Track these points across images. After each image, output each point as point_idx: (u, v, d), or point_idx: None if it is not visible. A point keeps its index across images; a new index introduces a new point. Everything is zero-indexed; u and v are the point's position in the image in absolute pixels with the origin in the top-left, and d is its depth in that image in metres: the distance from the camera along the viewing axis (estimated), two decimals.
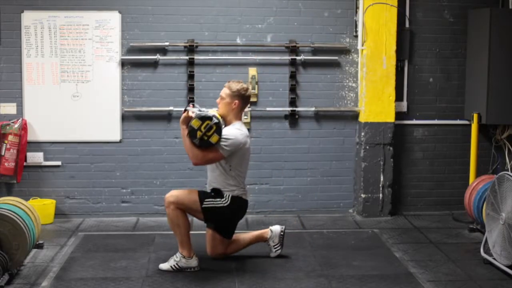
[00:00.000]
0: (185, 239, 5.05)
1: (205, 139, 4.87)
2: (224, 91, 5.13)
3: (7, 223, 4.86)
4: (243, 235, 5.41)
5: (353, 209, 6.87)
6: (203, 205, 5.02)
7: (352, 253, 5.55)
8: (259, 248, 5.57)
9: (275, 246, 5.34)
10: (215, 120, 4.87)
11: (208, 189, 5.21)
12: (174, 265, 5.06)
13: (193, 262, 5.07)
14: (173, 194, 5.01)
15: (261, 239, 5.39)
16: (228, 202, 5.06)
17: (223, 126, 5.04)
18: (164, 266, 5.10)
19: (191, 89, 6.61)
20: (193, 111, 4.95)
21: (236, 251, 5.34)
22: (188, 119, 4.92)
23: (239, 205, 5.15)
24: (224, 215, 5.10)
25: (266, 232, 5.38)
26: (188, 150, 5.00)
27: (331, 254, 5.51)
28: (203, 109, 5.07)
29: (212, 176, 5.18)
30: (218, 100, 5.18)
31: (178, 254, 5.08)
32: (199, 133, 4.85)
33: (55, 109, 6.53)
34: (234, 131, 5.01)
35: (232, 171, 5.05)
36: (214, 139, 4.88)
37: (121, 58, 6.55)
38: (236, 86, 5.11)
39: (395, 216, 6.78)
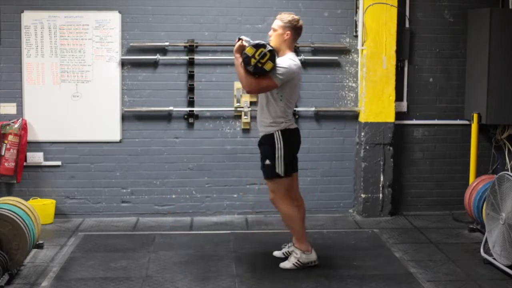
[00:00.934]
0: (301, 233, 5.12)
1: (259, 66, 4.84)
2: (276, 23, 5.08)
3: (7, 223, 4.86)
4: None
5: (353, 209, 6.87)
6: (273, 163, 4.99)
7: (352, 253, 5.55)
8: (260, 248, 5.58)
9: (295, 262, 5.14)
10: (269, 48, 4.85)
11: (258, 124, 5.16)
12: (296, 263, 5.13)
13: (313, 256, 5.16)
14: (270, 192, 5.11)
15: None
16: (281, 143, 4.98)
17: (276, 56, 4.99)
18: (286, 264, 5.16)
19: (191, 89, 6.61)
20: (246, 40, 4.94)
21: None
22: (242, 47, 4.92)
23: (291, 136, 5.07)
24: (284, 157, 5.01)
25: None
26: (242, 79, 4.97)
27: (331, 254, 5.51)
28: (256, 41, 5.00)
29: (261, 108, 5.10)
30: (270, 33, 5.12)
31: (297, 251, 5.14)
32: (253, 60, 4.83)
33: (55, 109, 6.53)
34: (288, 61, 4.96)
35: (282, 101, 4.99)
36: (268, 66, 4.84)
37: (121, 58, 6.56)
38: (287, 17, 5.08)
39: (395, 216, 6.78)
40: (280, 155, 4.99)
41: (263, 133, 5.10)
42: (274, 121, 5.01)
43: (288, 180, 5.09)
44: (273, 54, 4.87)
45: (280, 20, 5.07)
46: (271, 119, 5.02)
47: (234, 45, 6.59)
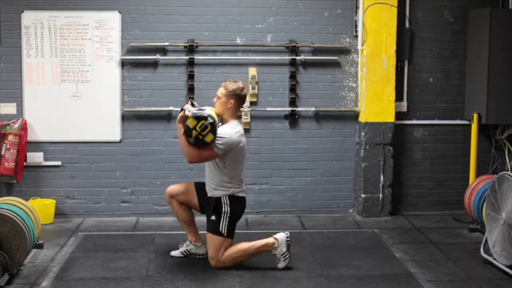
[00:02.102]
0: (257, 252, 5.18)
1: (200, 138, 4.93)
2: (220, 91, 5.18)
3: (7, 223, 4.86)
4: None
5: (353, 209, 6.87)
6: (212, 218, 5.14)
7: (352, 253, 5.55)
8: None
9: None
10: (210, 120, 4.92)
11: (206, 186, 5.22)
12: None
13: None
14: (211, 260, 5.16)
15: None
16: (228, 206, 5.09)
17: (220, 124, 5.10)
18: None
19: (191, 89, 6.61)
20: (189, 110, 5.00)
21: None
22: (185, 118, 4.99)
23: (237, 203, 5.15)
24: (229, 219, 5.12)
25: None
26: (183, 148, 5.07)
27: (331, 254, 5.51)
28: (203, 107, 5.10)
29: (208, 173, 5.23)
30: (215, 99, 5.22)
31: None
32: (194, 132, 4.92)
33: (55, 109, 6.53)
34: (229, 130, 5.06)
35: (226, 168, 5.09)
36: (208, 138, 4.93)
37: (121, 58, 6.55)
38: (232, 85, 5.15)
39: (395, 216, 6.78)
40: (225, 216, 5.09)
41: (210, 195, 5.18)
42: (221, 185, 5.11)
43: (229, 241, 5.13)
44: (214, 126, 4.94)
45: (224, 89, 5.16)
46: (217, 184, 5.13)
47: (234, 45, 6.67)
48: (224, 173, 5.09)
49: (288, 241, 5.13)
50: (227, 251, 5.10)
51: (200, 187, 5.31)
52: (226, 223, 5.08)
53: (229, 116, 5.16)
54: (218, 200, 5.10)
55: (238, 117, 6.64)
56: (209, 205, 5.17)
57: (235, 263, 5.13)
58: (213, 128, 4.93)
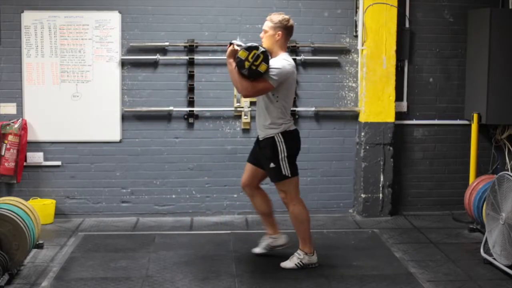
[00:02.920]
0: (307, 235, 5.15)
1: (253, 68, 4.83)
2: (266, 24, 5.07)
3: (7, 223, 4.86)
4: (270, 208, 5.41)
5: (353, 209, 6.87)
6: (280, 165, 5.02)
7: (352, 253, 5.55)
8: None
9: (299, 264, 5.16)
10: (262, 49, 4.85)
11: (258, 128, 5.17)
12: (298, 263, 5.15)
13: (314, 258, 5.18)
14: (281, 193, 5.15)
15: (270, 231, 5.39)
16: (284, 146, 4.99)
17: (270, 57, 4.99)
18: (287, 264, 5.18)
19: (191, 89, 6.61)
20: (238, 44, 4.93)
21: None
22: (235, 52, 4.90)
23: (291, 138, 5.07)
24: (288, 158, 5.03)
25: (279, 234, 5.40)
26: (237, 83, 4.96)
27: (331, 254, 5.51)
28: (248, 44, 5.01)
29: (259, 112, 5.11)
30: (261, 35, 5.11)
31: (300, 252, 5.17)
32: (247, 63, 4.82)
33: (55, 109, 6.53)
34: (281, 61, 4.96)
35: (278, 102, 4.99)
36: (262, 67, 4.84)
37: (121, 58, 6.56)
38: (277, 17, 5.07)
39: (395, 216, 6.78)
40: (283, 157, 5.00)
41: (263, 136, 5.09)
42: (273, 123, 5.01)
43: (296, 179, 5.10)
44: (267, 55, 4.87)
45: (270, 21, 5.07)
46: (270, 121, 5.02)
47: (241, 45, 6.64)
48: (276, 107, 4.98)
49: (312, 266, 5.18)
50: (301, 206, 5.13)
51: (254, 158, 5.27)
52: (287, 164, 5.01)
53: (279, 48, 5.05)
54: (272, 140, 5.00)
55: (239, 117, 6.70)
56: (265, 150, 5.07)
57: (295, 218, 5.17)
58: (266, 57, 4.85)
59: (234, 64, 4.91)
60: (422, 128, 6.91)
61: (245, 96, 5.10)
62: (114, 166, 6.65)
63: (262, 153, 5.13)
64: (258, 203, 5.38)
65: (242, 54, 4.84)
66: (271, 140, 5.01)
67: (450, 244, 5.87)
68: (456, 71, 6.89)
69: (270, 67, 4.88)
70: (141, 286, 4.77)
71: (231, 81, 5.06)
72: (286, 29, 5.08)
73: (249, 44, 4.89)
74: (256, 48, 4.84)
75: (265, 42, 5.06)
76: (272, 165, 5.03)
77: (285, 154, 5.00)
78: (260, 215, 5.50)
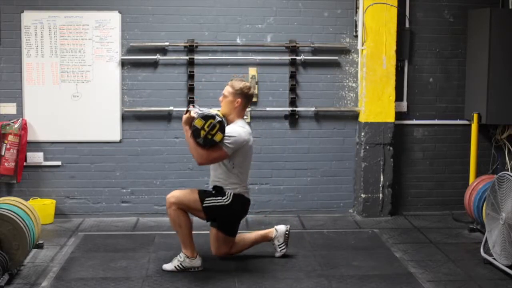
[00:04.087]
0: (187, 239, 5.05)
1: (209, 137, 4.86)
2: (227, 89, 5.12)
3: (7, 223, 4.86)
4: (248, 234, 5.41)
5: (353, 209, 6.87)
6: (204, 204, 5.02)
7: (352, 253, 5.55)
8: (259, 248, 5.58)
9: (280, 246, 5.34)
10: (218, 119, 4.87)
11: (210, 187, 5.21)
12: (178, 265, 5.06)
13: (197, 262, 5.08)
14: (174, 195, 5.01)
15: (266, 239, 5.39)
16: (230, 200, 5.05)
17: (226, 124, 5.04)
18: (168, 266, 5.10)
19: (191, 89, 6.61)
20: (195, 111, 4.94)
21: (241, 251, 5.33)
22: (191, 119, 4.92)
23: (241, 203, 5.14)
24: (226, 214, 5.09)
25: (271, 231, 5.39)
26: (192, 151, 4.98)
27: (331, 254, 5.51)
28: (204, 109, 5.07)
29: (214, 175, 5.18)
30: (220, 98, 5.18)
31: (181, 254, 5.08)
32: (202, 132, 4.85)
33: (55, 109, 6.53)
34: (237, 129, 5.01)
35: (235, 169, 5.05)
36: (218, 137, 4.86)
37: (121, 58, 6.56)
38: (239, 84, 5.10)
39: (395, 216, 6.78)
40: (220, 205, 5.03)
41: (215, 185, 5.13)
42: (228, 184, 5.08)
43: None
44: (223, 125, 4.89)
45: (231, 87, 5.11)
46: (224, 185, 5.09)
47: (234, 45, 6.67)
48: (232, 173, 5.05)
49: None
50: (173, 211, 5.02)
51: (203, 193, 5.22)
52: (215, 204, 5.02)
53: (236, 115, 5.12)
54: (221, 190, 5.06)
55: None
56: (212, 196, 5.09)
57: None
58: (222, 126, 4.87)
59: (190, 131, 4.93)
60: (422, 128, 6.90)
61: (200, 164, 5.08)
62: (114, 166, 6.65)
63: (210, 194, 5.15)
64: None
65: (198, 123, 4.85)
66: (221, 190, 5.08)
67: (450, 244, 5.87)
68: (456, 71, 6.89)
69: (226, 135, 4.90)
70: (141, 286, 4.77)
71: (188, 147, 5.05)
72: (246, 98, 5.13)
73: (206, 113, 4.88)
74: (213, 117, 4.85)
75: (223, 107, 5.12)
76: (205, 203, 5.03)
77: (226, 203, 5.02)
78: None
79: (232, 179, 5.06)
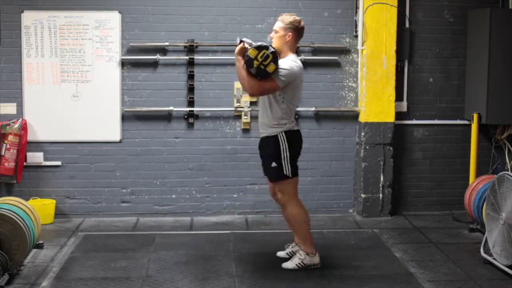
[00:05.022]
0: (308, 236, 5.12)
1: (262, 68, 4.81)
2: (277, 24, 5.06)
3: (7, 223, 4.86)
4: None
5: (353, 209, 6.87)
6: (273, 166, 5.00)
7: (352, 253, 5.55)
8: (260, 248, 5.58)
9: (300, 264, 5.13)
10: (272, 49, 4.83)
11: (260, 128, 5.13)
12: (299, 264, 5.11)
13: (316, 258, 5.14)
14: (279, 194, 5.11)
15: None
16: (286, 144, 4.97)
17: (279, 57, 4.97)
18: (288, 265, 5.14)
19: (191, 89, 6.61)
20: (248, 42, 4.92)
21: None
22: (244, 50, 4.88)
23: (294, 138, 5.06)
24: (290, 157, 5.00)
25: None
26: (244, 81, 4.93)
27: (331, 254, 5.51)
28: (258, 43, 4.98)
29: (263, 111, 5.08)
30: (271, 35, 5.10)
31: (301, 252, 5.12)
32: (255, 62, 4.80)
33: (55, 109, 6.53)
34: (290, 63, 4.95)
35: (284, 103, 4.97)
36: (271, 68, 4.82)
37: (121, 58, 6.56)
38: (289, 18, 5.06)
39: (395, 216, 6.78)
40: (285, 156, 4.99)
41: (265, 135, 5.07)
42: (277, 123, 4.99)
43: (295, 180, 5.09)
44: (276, 56, 4.84)
45: (282, 22, 5.05)
46: (274, 121, 5.00)
47: (234, 45, 6.59)
48: (280, 108, 4.97)
49: (310, 267, 5.13)
50: (299, 207, 5.11)
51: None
52: (288, 164, 4.98)
53: (288, 49, 5.05)
54: (275, 139, 4.98)
55: (239, 117, 6.70)
56: (266, 148, 5.05)
57: (293, 219, 5.14)
58: (275, 57, 4.82)
59: (242, 62, 4.89)
60: (422, 128, 6.90)
61: (251, 95, 5.10)
62: (114, 166, 6.65)
63: (264, 152, 5.12)
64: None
65: (251, 53, 4.81)
66: (273, 139, 5.00)
67: (450, 244, 5.87)
68: (456, 71, 6.89)
69: (279, 67, 4.86)
70: (141, 286, 4.77)
71: (238, 78, 5.03)
72: (297, 31, 5.08)
73: (259, 43, 4.86)
74: (266, 48, 4.82)
75: (275, 42, 5.05)
76: (274, 164, 5.01)
77: (287, 153, 4.98)
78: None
79: (281, 114, 4.97)
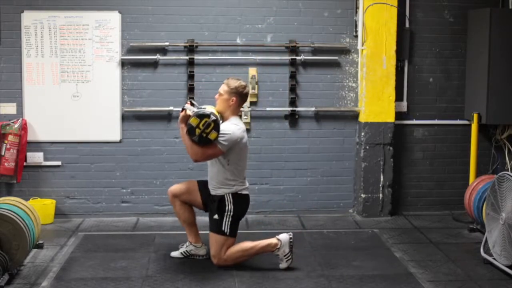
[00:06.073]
0: (253, 252, 5.17)
1: (204, 136, 4.89)
2: (223, 88, 5.17)
3: (7, 223, 4.86)
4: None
5: (353, 209, 6.87)
6: (214, 218, 5.13)
7: (352, 253, 5.55)
8: None
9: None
10: (213, 117, 4.90)
11: (209, 185, 5.20)
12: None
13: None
14: (212, 257, 5.15)
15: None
16: (231, 204, 5.08)
17: (221, 122, 5.07)
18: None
19: (191, 89, 6.61)
20: (191, 110, 4.99)
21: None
22: (186, 118, 4.97)
23: (240, 203, 5.14)
24: (232, 218, 5.11)
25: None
26: (188, 148, 5.04)
27: (331, 254, 5.51)
28: (202, 106, 5.11)
29: (211, 172, 5.20)
30: (216, 96, 5.21)
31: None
32: (197, 131, 4.89)
33: (55, 109, 6.53)
34: (232, 126, 5.05)
35: (230, 165, 5.08)
36: (212, 135, 4.90)
37: (121, 58, 6.56)
38: (234, 83, 5.14)
39: (395, 216, 6.78)
40: (228, 215, 5.08)
41: (214, 193, 5.16)
42: (224, 184, 5.10)
43: (231, 240, 5.13)
44: (217, 123, 4.91)
45: (227, 86, 5.15)
46: (222, 182, 5.11)
47: (234, 45, 6.67)
48: (228, 170, 5.08)
49: (291, 242, 5.13)
50: (229, 250, 5.10)
51: (203, 185, 5.30)
52: (229, 222, 5.08)
53: (231, 113, 5.16)
54: (221, 198, 5.09)
55: (239, 117, 6.69)
56: (212, 204, 5.15)
57: (237, 262, 5.13)
58: (216, 125, 4.90)
59: (185, 129, 4.97)
60: (422, 128, 6.90)
61: (195, 161, 5.13)
62: (114, 166, 6.65)
63: (211, 202, 5.18)
64: (179, 211, 5.34)
65: (193, 121, 4.89)
66: (220, 198, 5.10)
67: (450, 244, 5.87)
68: (456, 71, 6.89)
69: (220, 132, 4.94)
70: (141, 286, 4.77)
71: (184, 144, 5.10)
72: (241, 96, 5.16)
73: (201, 112, 4.91)
74: (208, 116, 4.87)
75: (219, 105, 5.16)
76: (216, 216, 5.10)
77: (231, 213, 5.09)
78: (182, 223, 5.42)
79: (228, 175, 5.09)
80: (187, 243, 5.42)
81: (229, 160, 5.07)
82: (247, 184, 5.23)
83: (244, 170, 5.22)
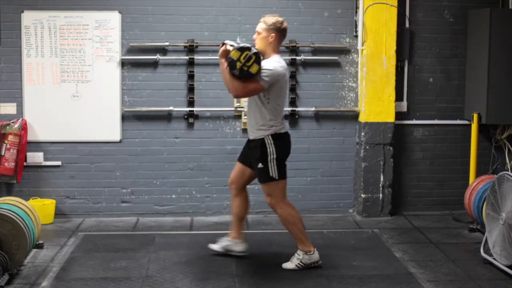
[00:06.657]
0: (303, 235, 5.14)
1: (245, 69, 4.80)
2: (260, 26, 5.06)
3: (7, 223, 4.86)
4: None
5: (353, 209, 6.87)
6: (259, 167, 5.04)
7: (352, 253, 5.55)
8: (260, 249, 5.58)
9: (299, 264, 5.13)
10: (254, 50, 4.82)
11: (248, 129, 5.13)
12: (298, 264, 5.13)
13: (315, 256, 5.15)
14: (267, 197, 5.11)
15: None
16: (273, 146, 4.98)
17: (262, 57, 4.97)
18: (288, 265, 5.16)
19: (191, 89, 6.61)
20: (231, 44, 4.92)
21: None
22: (226, 52, 4.89)
23: (281, 140, 5.06)
24: (276, 161, 5.02)
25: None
26: (228, 83, 4.95)
27: (331, 254, 5.51)
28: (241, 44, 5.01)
29: (249, 113, 5.09)
30: (254, 36, 5.10)
31: (299, 252, 5.14)
32: (238, 64, 4.80)
33: (55, 109, 6.53)
34: (273, 63, 4.95)
35: (270, 103, 4.97)
36: (254, 69, 4.81)
37: (121, 58, 6.56)
38: (271, 19, 5.05)
39: (395, 216, 6.79)
40: (272, 159, 5.00)
41: (253, 137, 5.08)
42: (263, 124, 5.00)
43: (282, 182, 5.08)
44: (259, 56, 4.84)
45: (264, 23, 5.06)
46: (260, 122, 5.01)
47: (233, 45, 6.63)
48: (267, 108, 4.97)
49: (314, 264, 5.14)
50: (289, 207, 5.09)
51: (243, 157, 5.26)
52: (275, 167, 4.99)
53: (272, 51, 5.03)
54: (262, 142, 4.99)
55: (239, 117, 6.70)
56: (254, 150, 5.05)
57: (286, 219, 5.12)
58: (258, 58, 4.82)
59: (225, 64, 4.90)
60: (422, 128, 6.91)
61: (236, 97, 5.09)
62: (114, 166, 6.65)
63: (251, 154, 5.12)
64: (237, 204, 5.35)
65: (234, 55, 4.81)
66: (261, 142, 5.01)
67: (450, 244, 5.88)
68: (456, 71, 6.89)
69: (262, 68, 4.86)
70: (141, 286, 4.77)
71: (223, 80, 5.05)
72: (280, 32, 5.06)
73: (241, 45, 4.86)
74: (249, 49, 4.81)
75: (258, 44, 5.05)
76: (260, 165, 5.03)
77: (274, 156, 4.99)
78: (233, 216, 5.43)
79: (267, 115, 4.98)
80: (227, 238, 5.40)
81: (270, 98, 4.96)
82: (285, 124, 5.14)
83: (283, 110, 5.13)
